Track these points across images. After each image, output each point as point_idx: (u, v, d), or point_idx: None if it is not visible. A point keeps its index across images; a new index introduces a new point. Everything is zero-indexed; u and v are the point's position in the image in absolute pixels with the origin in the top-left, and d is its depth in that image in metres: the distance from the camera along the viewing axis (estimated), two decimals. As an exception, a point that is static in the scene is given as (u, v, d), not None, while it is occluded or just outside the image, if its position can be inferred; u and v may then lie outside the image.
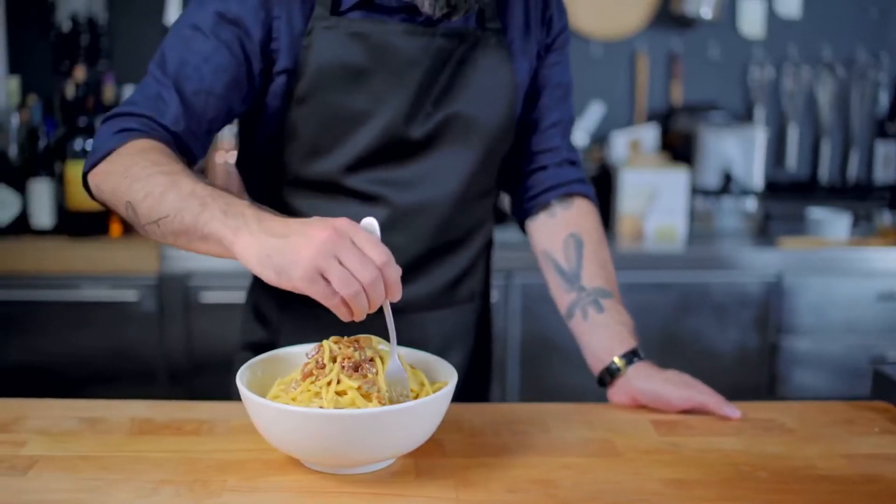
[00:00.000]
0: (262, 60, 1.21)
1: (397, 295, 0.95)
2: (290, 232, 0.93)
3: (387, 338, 1.03)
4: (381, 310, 0.97)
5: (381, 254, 0.92)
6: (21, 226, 2.59)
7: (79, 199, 2.54)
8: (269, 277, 0.93)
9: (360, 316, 0.94)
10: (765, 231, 2.83)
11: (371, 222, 0.97)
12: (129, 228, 2.63)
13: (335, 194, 1.28)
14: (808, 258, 2.64)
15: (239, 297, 2.35)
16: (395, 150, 1.25)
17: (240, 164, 1.38)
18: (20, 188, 2.58)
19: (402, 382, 1.01)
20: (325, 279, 0.91)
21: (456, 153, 1.28)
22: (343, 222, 0.93)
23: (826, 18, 3.21)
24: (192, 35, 1.19)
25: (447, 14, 1.19)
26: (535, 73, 1.36)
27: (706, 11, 3.06)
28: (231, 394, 1.49)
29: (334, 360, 1.00)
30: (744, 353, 2.63)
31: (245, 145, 1.35)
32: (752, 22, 3.17)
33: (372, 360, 1.01)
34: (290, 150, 1.27)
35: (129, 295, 2.45)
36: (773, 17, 3.20)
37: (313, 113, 1.23)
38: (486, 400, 1.48)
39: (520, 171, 1.43)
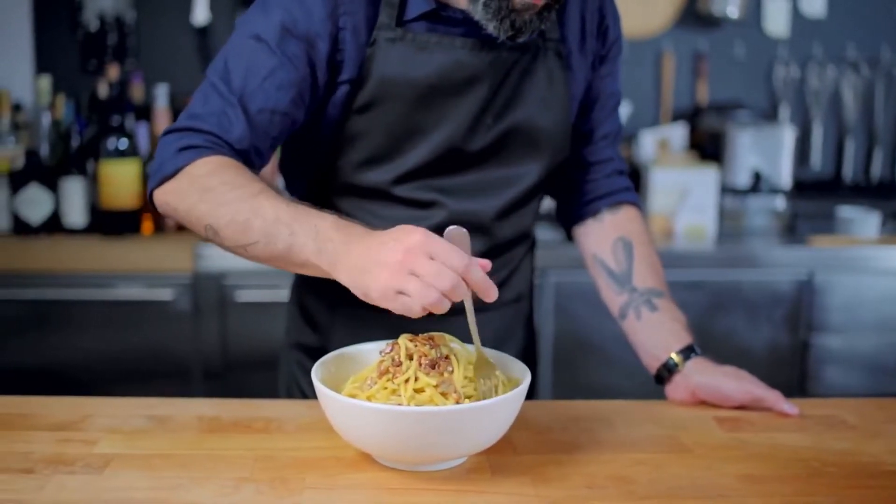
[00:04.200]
0: (327, 72, 1.20)
1: (489, 294, 0.96)
2: (369, 259, 0.96)
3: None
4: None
5: (459, 260, 0.94)
6: (54, 225, 2.59)
7: (111, 198, 2.55)
8: (362, 297, 0.98)
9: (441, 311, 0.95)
10: (793, 230, 2.83)
11: (454, 230, 0.98)
12: (161, 227, 2.64)
13: (384, 200, 1.27)
14: (839, 256, 2.64)
15: (274, 295, 2.39)
16: (449, 162, 1.25)
17: (283, 165, 1.38)
18: (52, 187, 2.58)
19: (492, 373, 1.03)
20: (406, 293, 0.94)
21: (512, 164, 1.28)
22: (416, 240, 0.94)
23: (851, 18, 3.21)
24: (257, 47, 1.17)
25: (512, 36, 1.17)
26: (588, 83, 1.36)
27: (732, 11, 3.07)
28: (278, 391, 1.50)
29: (410, 357, 1.00)
30: (775, 351, 2.63)
31: (292, 149, 1.33)
32: (777, 21, 3.17)
33: (447, 357, 1.01)
34: (343, 158, 1.25)
35: (164, 294, 2.46)
36: (798, 17, 3.20)
37: (373, 123, 1.22)
38: (535, 399, 1.49)
39: (571, 180, 1.44)
